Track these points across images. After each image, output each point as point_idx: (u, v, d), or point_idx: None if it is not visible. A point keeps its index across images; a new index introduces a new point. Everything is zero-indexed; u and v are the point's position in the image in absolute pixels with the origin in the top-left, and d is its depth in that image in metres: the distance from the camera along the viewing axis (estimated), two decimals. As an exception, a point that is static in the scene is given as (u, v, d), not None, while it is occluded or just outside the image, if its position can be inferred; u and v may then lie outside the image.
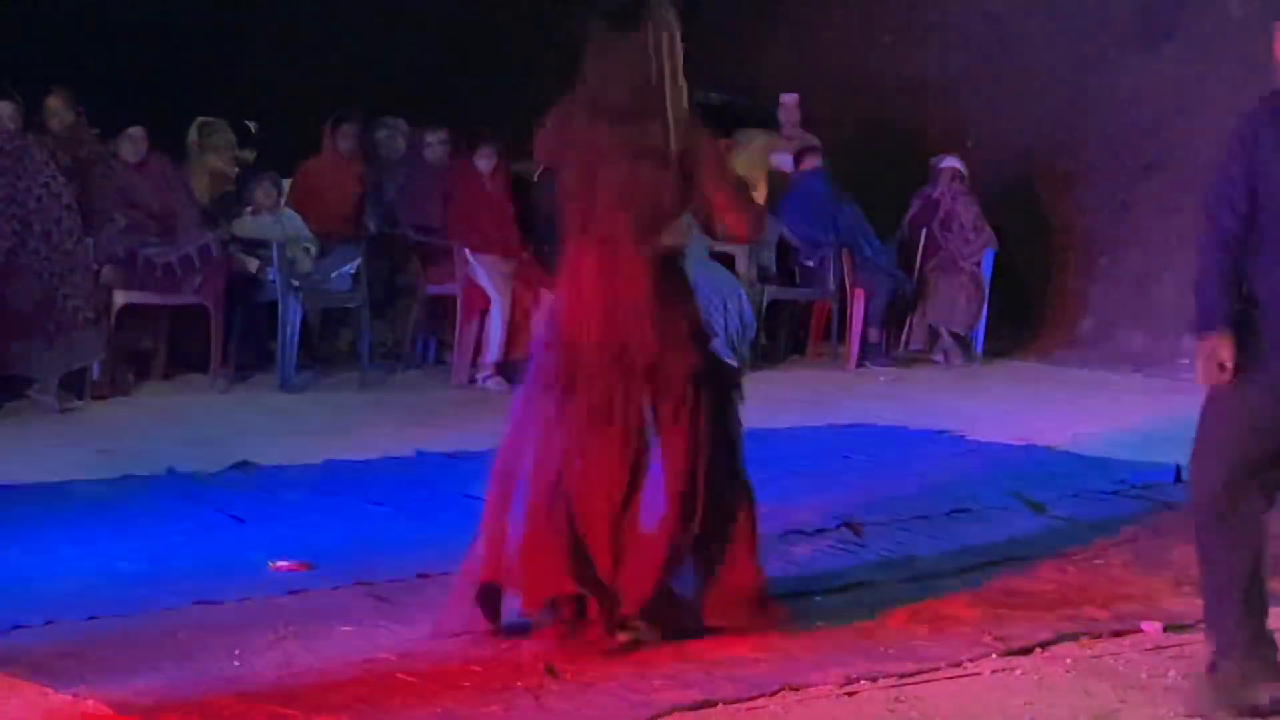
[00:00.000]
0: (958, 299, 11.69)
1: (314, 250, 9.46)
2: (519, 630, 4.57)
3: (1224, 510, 4.09)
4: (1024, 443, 8.16)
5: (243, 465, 6.82)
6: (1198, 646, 4.66)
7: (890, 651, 4.51)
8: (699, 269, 10.46)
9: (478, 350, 9.85)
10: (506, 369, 9.81)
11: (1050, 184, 12.34)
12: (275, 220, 9.59)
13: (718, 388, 4.70)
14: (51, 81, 9.25)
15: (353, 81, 11.97)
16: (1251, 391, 4.08)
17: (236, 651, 4.30)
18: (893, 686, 4.22)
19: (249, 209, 9.67)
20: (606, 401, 4.53)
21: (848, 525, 6.05)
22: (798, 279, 11.52)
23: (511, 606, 4.58)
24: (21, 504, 5.98)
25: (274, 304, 9.26)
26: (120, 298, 8.73)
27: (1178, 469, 7.29)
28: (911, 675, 4.31)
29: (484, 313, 9.77)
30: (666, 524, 4.50)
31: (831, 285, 11.40)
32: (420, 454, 7.39)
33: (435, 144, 10.46)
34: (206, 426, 7.91)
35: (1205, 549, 4.16)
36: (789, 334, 11.68)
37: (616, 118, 4.62)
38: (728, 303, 10.37)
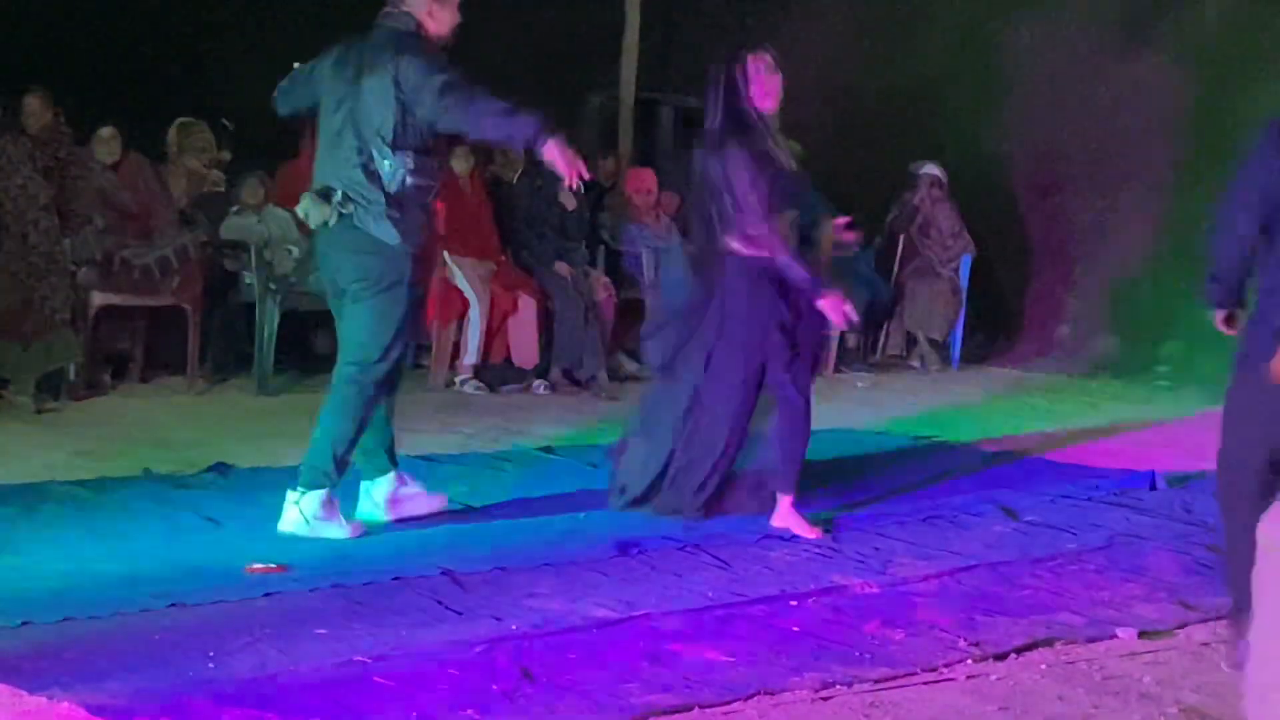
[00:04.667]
0: (935, 305, 11.73)
1: (296, 252, 9.39)
2: (495, 634, 4.58)
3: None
4: (1000, 448, 8.18)
5: (219, 467, 6.80)
6: (1172, 653, 4.69)
7: (865, 656, 4.51)
8: (678, 273, 10.50)
9: (455, 354, 9.82)
10: (484, 372, 9.80)
11: (1029, 190, 12.38)
12: (260, 219, 9.53)
13: None
14: (29, 81, 9.21)
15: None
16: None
17: (212, 654, 4.28)
18: (868, 691, 4.22)
19: (234, 209, 9.62)
20: None
21: (823, 529, 6.07)
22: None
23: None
24: (-4, 505, 5.96)
25: (252, 306, 9.24)
26: (98, 299, 8.70)
27: (1153, 476, 7.32)
28: (887, 680, 4.32)
29: (462, 316, 9.75)
30: None
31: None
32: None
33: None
34: (183, 428, 7.89)
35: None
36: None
37: None
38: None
